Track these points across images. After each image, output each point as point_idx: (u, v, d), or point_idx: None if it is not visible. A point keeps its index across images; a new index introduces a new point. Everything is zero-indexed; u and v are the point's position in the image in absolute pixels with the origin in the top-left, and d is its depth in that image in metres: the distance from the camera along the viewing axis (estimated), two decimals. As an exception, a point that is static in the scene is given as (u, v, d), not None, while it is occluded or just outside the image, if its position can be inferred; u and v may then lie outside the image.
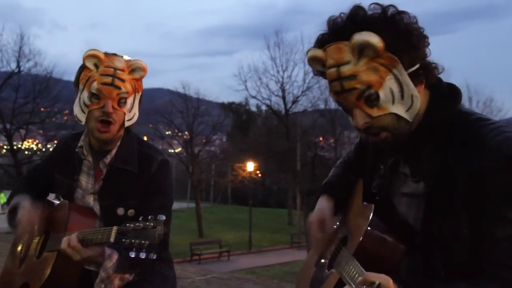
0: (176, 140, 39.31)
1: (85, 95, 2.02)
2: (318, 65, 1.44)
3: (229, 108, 49.49)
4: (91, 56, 2.01)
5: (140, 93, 2.11)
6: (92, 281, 2.01)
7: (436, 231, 1.35)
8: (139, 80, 2.07)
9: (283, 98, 37.65)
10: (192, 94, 38.87)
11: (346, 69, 1.33)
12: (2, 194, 27.53)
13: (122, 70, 2.01)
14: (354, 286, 1.25)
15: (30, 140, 34.24)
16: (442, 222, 1.33)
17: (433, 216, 1.36)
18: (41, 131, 31.80)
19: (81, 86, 2.04)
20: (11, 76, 27.82)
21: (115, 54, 2.07)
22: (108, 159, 2.10)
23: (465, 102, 1.45)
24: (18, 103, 28.18)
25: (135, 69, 2.04)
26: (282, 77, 37.57)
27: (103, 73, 1.99)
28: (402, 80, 1.33)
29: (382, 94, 1.33)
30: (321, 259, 1.79)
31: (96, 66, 2.01)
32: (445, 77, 1.47)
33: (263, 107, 44.41)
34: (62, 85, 28.37)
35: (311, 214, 1.81)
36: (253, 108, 49.26)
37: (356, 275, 1.29)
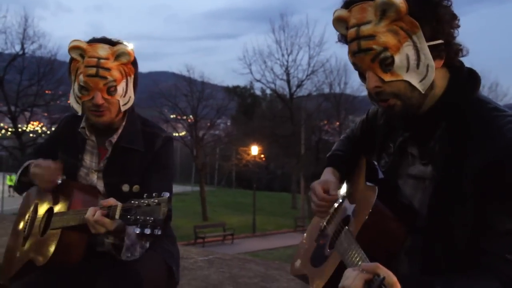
0: (180, 123, 39.28)
1: (76, 86, 2.03)
2: (342, 28, 1.42)
3: (234, 91, 49.33)
4: (74, 47, 1.99)
5: (132, 76, 2.09)
6: (97, 257, 2.05)
7: (442, 217, 1.33)
8: (128, 64, 2.05)
9: (288, 82, 37.57)
10: (196, 78, 38.84)
11: (365, 29, 1.32)
12: (13, 176, 27.63)
13: (107, 59, 1.99)
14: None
15: (35, 123, 34.32)
16: (449, 208, 1.31)
17: (441, 201, 1.34)
18: (45, 114, 31.87)
19: (73, 77, 2.05)
20: (16, 58, 27.77)
21: (102, 40, 2.04)
22: (114, 138, 2.13)
23: (481, 92, 1.42)
24: (22, 86, 28.18)
25: (119, 54, 2.01)
26: (287, 61, 37.48)
27: (87, 64, 1.98)
28: (420, 49, 1.31)
29: (397, 59, 1.31)
30: (322, 235, 1.79)
31: (82, 56, 2.00)
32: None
33: (268, 91, 44.34)
34: (67, 67, 28.23)
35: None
36: (258, 92, 49.16)
37: (360, 263, 1.27)
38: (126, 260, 1.90)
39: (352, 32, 1.36)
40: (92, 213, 1.77)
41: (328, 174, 1.81)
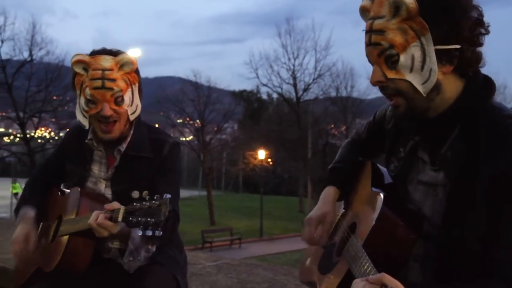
0: (187, 128, 39.38)
1: (82, 100, 2.04)
2: (366, 17, 1.42)
3: (240, 96, 49.42)
4: (77, 62, 2.00)
5: (137, 84, 2.09)
6: (103, 263, 2.06)
7: (457, 225, 1.32)
8: (131, 73, 2.05)
9: (294, 86, 37.61)
10: (203, 82, 38.92)
11: (377, 23, 1.33)
12: (17, 184, 27.81)
13: (111, 69, 1.99)
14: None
15: (43, 129, 34.53)
16: (463, 217, 1.30)
17: (456, 210, 1.33)
18: (53, 119, 32.06)
19: (77, 92, 2.05)
20: (24, 65, 28.05)
21: (104, 51, 2.04)
22: (123, 146, 2.13)
23: (496, 99, 1.41)
24: (30, 92, 28.43)
25: (123, 64, 2.01)
26: (293, 65, 37.55)
27: (92, 77, 1.98)
28: (427, 51, 1.30)
29: (403, 58, 1.31)
30: (329, 241, 1.79)
31: (86, 70, 2.01)
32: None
33: (274, 95, 44.37)
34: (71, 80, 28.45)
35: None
36: (264, 96, 49.16)
37: (368, 271, 1.27)
38: (128, 263, 1.89)
39: (368, 23, 1.37)
40: (95, 217, 1.78)
41: (326, 202, 1.78)
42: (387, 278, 1.11)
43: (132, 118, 2.09)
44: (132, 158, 2.13)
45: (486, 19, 1.35)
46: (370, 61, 1.40)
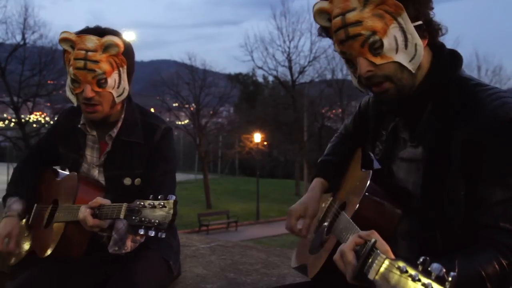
0: (183, 112, 39.30)
1: (69, 78, 2.04)
2: (324, 20, 1.44)
3: (236, 79, 49.20)
4: (64, 39, 1.99)
5: (125, 67, 2.05)
6: (100, 249, 2.06)
7: (434, 196, 1.35)
8: (118, 55, 2.00)
9: (290, 68, 37.45)
10: (198, 66, 38.83)
11: (351, 15, 1.34)
12: None
13: (94, 51, 1.96)
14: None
15: (37, 113, 34.40)
16: (440, 186, 1.33)
17: (432, 180, 1.36)
18: (48, 104, 31.95)
19: (67, 69, 2.04)
20: (17, 49, 27.77)
21: (92, 31, 2.02)
22: (114, 132, 2.12)
23: (474, 70, 1.47)
24: (24, 76, 28.21)
25: (107, 46, 1.97)
26: (289, 47, 37.30)
27: (75, 57, 1.97)
28: (407, 29, 1.34)
29: (386, 41, 1.34)
30: (320, 226, 1.81)
31: (73, 47, 1.99)
32: (453, 45, 1.47)
33: (270, 78, 44.27)
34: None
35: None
36: (260, 79, 49.05)
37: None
38: (115, 253, 1.90)
39: (337, 21, 1.37)
40: (83, 217, 1.79)
41: (312, 193, 1.82)
42: (375, 234, 1.14)
43: (117, 100, 2.06)
44: (123, 143, 2.11)
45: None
46: (350, 56, 1.40)
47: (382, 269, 1.02)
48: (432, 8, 1.40)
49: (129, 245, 1.92)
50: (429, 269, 0.92)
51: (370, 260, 1.07)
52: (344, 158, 1.87)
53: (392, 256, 1.07)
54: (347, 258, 1.16)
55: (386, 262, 1.01)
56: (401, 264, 0.97)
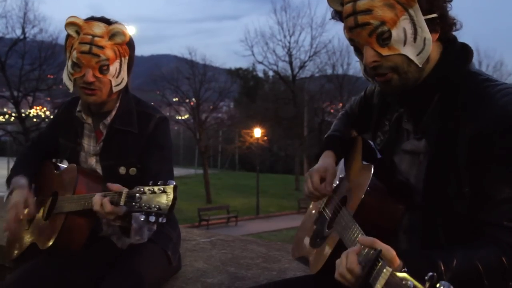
0: (183, 106, 39.25)
1: (69, 63, 2.03)
2: (337, 4, 1.43)
3: (236, 74, 49.12)
4: (70, 23, 1.99)
5: (127, 58, 2.07)
6: (95, 241, 2.08)
7: (437, 190, 1.34)
8: (122, 44, 2.03)
9: (290, 63, 37.46)
10: (198, 60, 38.76)
11: (362, 3, 1.32)
12: None
13: (101, 37, 1.97)
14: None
15: (37, 107, 34.37)
16: (443, 181, 1.32)
17: (435, 174, 1.35)
18: (48, 98, 31.92)
19: (67, 54, 2.04)
20: (17, 43, 27.78)
21: (99, 19, 2.03)
22: (108, 120, 2.13)
23: (474, 65, 1.43)
24: (24, 70, 28.22)
25: (115, 33, 1.99)
26: (289, 42, 37.34)
27: (81, 41, 1.97)
28: (417, 22, 1.31)
29: (395, 33, 1.32)
30: (321, 217, 1.81)
31: (78, 33, 1.99)
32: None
33: (270, 73, 44.20)
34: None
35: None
36: (260, 74, 48.97)
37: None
38: (121, 241, 1.89)
39: (348, 7, 1.36)
40: (99, 203, 1.76)
41: (327, 159, 1.79)
42: (378, 243, 1.12)
43: (115, 89, 2.07)
44: (118, 131, 2.12)
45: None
46: (357, 44, 1.39)
47: (388, 282, 0.99)
48: (450, 1, 1.37)
49: (146, 234, 1.95)
50: (437, 286, 0.90)
51: (375, 272, 1.05)
52: (348, 142, 1.85)
53: (397, 262, 1.06)
54: (352, 272, 1.14)
55: (393, 276, 0.98)
56: (408, 280, 0.94)
